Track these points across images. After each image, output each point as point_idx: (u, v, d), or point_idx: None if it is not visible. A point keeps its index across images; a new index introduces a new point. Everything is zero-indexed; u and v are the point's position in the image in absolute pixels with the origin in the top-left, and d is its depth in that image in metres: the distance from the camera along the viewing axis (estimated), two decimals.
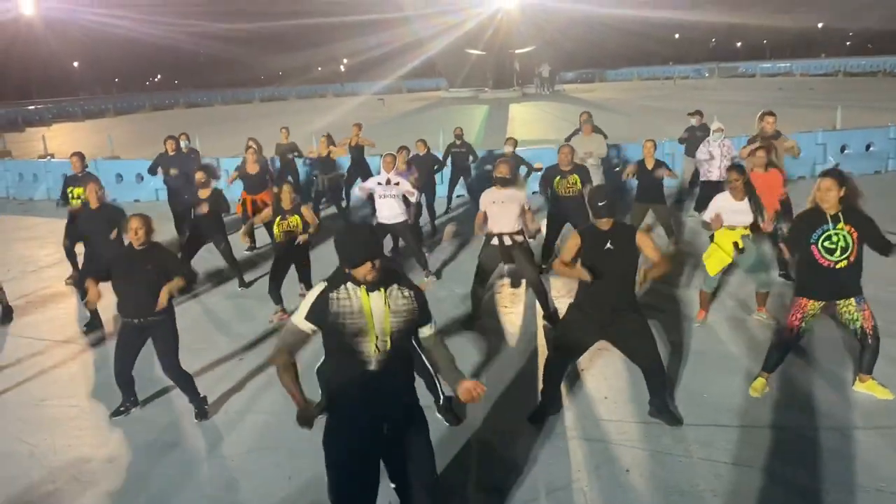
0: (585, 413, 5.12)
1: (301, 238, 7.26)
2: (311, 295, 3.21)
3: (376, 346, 3.14)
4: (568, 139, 11.29)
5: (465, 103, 39.32)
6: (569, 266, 4.77)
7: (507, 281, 8.29)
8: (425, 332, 3.39)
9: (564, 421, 5.02)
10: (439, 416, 5.09)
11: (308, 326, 3.18)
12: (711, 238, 6.50)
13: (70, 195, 8.76)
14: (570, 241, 4.89)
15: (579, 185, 8.06)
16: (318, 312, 3.14)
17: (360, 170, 12.47)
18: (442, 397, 5.14)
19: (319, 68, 75.72)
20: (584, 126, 10.53)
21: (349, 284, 3.16)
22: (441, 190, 12.32)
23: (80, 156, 9.08)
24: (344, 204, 12.34)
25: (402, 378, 3.31)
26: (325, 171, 11.72)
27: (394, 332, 3.17)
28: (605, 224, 4.74)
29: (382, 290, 3.17)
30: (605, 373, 5.72)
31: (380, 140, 13.40)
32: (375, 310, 3.14)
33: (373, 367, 3.15)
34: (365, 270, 3.09)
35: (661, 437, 4.72)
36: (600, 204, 4.69)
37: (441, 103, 40.54)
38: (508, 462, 4.56)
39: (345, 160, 12.52)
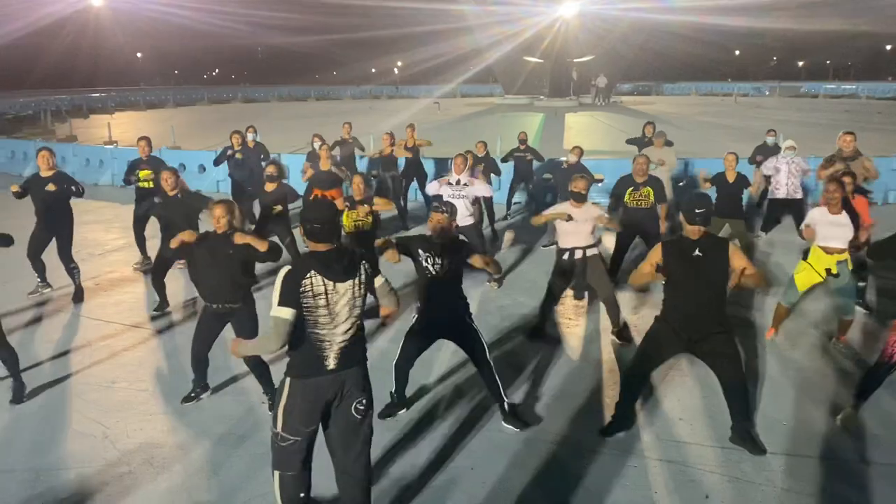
0: (660, 434, 4.97)
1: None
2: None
3: None
4: (639, 146, 11.21)
5: (520, 110, 39.15)
6: (643, 274, 4.67)
7: (570, 293, 8.14)
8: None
9: (639, 440, 4.88)
10: (505, 424, 5.03)
11: None
12: (805, 257, 6.31)
13: (136, 177, 9.03)
14: (651, 253, 4.76)
15: (652, 197, 7.85)
16: None
17: (415, 170, 12.46)
18: (507, 404, 5.08)
19: (374, 70, 76.45)
20: (657, 139, 10.38)
21: None
22: (499, 196, 12.22)
23: (147, 140, 9.41)
24: (402, 203, 12.31)
25: None
26: (386, 169, 11.74)
27: None
28: (694, 233, 4.55)
29: None
30: (678, 393, 5.55)
31: (436, 144, 13.34)
32: None
33: None
34: None
35: (740, 464, 4.55)
36: (697, 211, 4.50)
37: (496, 109, 40.47)
38: (584, 479, 4.44)
39: (401, 160, 12.51)
